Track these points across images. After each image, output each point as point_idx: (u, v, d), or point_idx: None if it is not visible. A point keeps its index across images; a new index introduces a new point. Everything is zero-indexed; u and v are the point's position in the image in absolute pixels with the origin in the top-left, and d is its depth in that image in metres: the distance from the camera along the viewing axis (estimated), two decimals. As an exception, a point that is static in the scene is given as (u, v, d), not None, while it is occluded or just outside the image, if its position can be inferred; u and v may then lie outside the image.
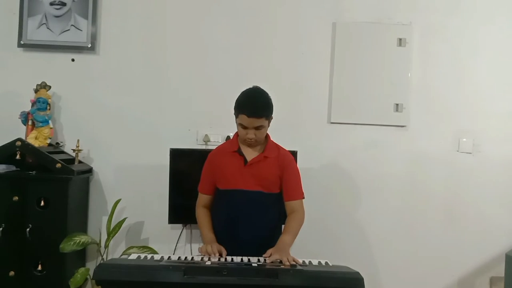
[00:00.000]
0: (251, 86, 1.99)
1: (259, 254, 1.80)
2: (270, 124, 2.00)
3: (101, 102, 2.78)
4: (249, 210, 1.96)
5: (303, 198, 2.02)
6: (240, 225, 1.96)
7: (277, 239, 1.91)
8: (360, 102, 2.75)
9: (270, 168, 1.99)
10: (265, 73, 2.74)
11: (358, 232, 2.78)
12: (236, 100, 1.93)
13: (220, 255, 1.84)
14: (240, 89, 1.98)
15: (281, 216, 2.04)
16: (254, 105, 1.89)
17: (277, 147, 2.06)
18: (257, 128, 1.91)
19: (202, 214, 2.07)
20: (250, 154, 2.00)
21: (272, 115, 1.98)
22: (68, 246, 2.35)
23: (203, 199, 2.09)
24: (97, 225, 2.78)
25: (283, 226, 2.01)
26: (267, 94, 1.96)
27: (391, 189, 2.77)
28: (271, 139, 2.07)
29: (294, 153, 2.45)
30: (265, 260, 1.75)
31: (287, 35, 2.78)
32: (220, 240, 1.95)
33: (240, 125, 1.93)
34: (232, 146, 2.03)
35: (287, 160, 2.04)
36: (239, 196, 1.97)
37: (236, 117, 1.93)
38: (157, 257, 1.75)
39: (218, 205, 2.07)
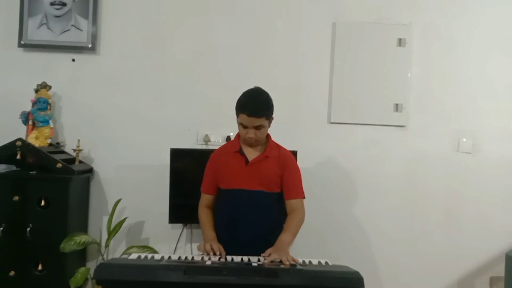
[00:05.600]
0: (251, 87, 2.00)
1: (260, 253, 1.81)
2: (271, 124, 2.01)
3: (102, 102, 2.78)
4: (250, 209, 1.97)
5: (304, 197, 2.03)
6: (242, 225, 1.97)
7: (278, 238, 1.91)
8: (360, 102, 2.75)
9: (271, 167, 2.00)
10: (265, 73, 2.74)
11: (358, 232, 2.78)
12: (237, 100, 1.95)
13: (220, 254, 1.84)
14: (240, 89, 1.99)
15: (282, 215, 2.04)
16: (254, 104, 1.90)
17: (278, 146, 2.07)
18: (257, 127, 1.92)
19: (204, 213, 2.07)
20: (251, 154, 2.01)
21: (273, 116, 1.99)
22: (69, 245, 2.35)
23: (205, 199, 2.09)
24: (98, 224, 2.78)
25: (284, 225, 2.01)
26: (267, 94, 1.97)
27: (391, 189, 2.78)
28: (272, 139, 2.08)
29: (294, 153, 2.45)
30: (264, 259, 1.75)
31: (287, 35, 2.78)
32: (221, 239, 1.96)
33: (241, 124, 1.94)
34: (234, 146, 2.04)
35: (288, 159, 2.05)
36: (241, 195, 1.98)
37: (237, 116, 1.95)
38: (157, 257, 1.75)
39: (220, 204, 2.07)
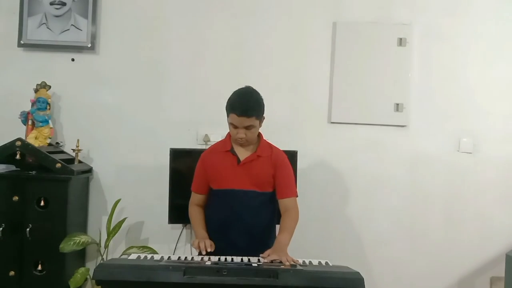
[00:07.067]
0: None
1: (253, 253, 1.80)
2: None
3: (101, 101, 2.78)
4: (243, 209, 1.95)
5: (297, 196, 2.01)
6: (234, 225, 1.96)
7: (271, 238, 1.91)
8: (360, 102, 2.75)
9: (263, 167, 1.98)
10: (265, 73, 2.74)
11: (358, 232, 2.78)
12: (228, 100, 1.93)
13: (212, 252, 1.84)
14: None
15: (275, 215, 2.04)
16: (244, 104, 1.87)
17: (270, 146, 2.05)
18: (248, 127, 1.89)
19: (194, 211, 2.06)
20: (243, 153, 1.99)
21: (264, 115, 1.96)
22: (68, 246, 2.35)
23: (196, 198, 2.08)
24: (97, 225, 2.78)
25: (277, 225, 2.01)
26: (258, 93, 1.94)
27: (391, 189, 2.77)
28: (264, 138, 2.05)
29: (294, 153, 2.46)
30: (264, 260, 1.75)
31: (287, 35, 2.78)
32: (214, 240, 1.94)
33: (231, 124, 1.92)
34: (225, 145, 2.02)
35: (280, 158, 2.02)
36: (233, 195, 1.96)
37: (227, 116, 1.92)
38: (157, 257, 1.75)
39: (211, 205, 2.06)
